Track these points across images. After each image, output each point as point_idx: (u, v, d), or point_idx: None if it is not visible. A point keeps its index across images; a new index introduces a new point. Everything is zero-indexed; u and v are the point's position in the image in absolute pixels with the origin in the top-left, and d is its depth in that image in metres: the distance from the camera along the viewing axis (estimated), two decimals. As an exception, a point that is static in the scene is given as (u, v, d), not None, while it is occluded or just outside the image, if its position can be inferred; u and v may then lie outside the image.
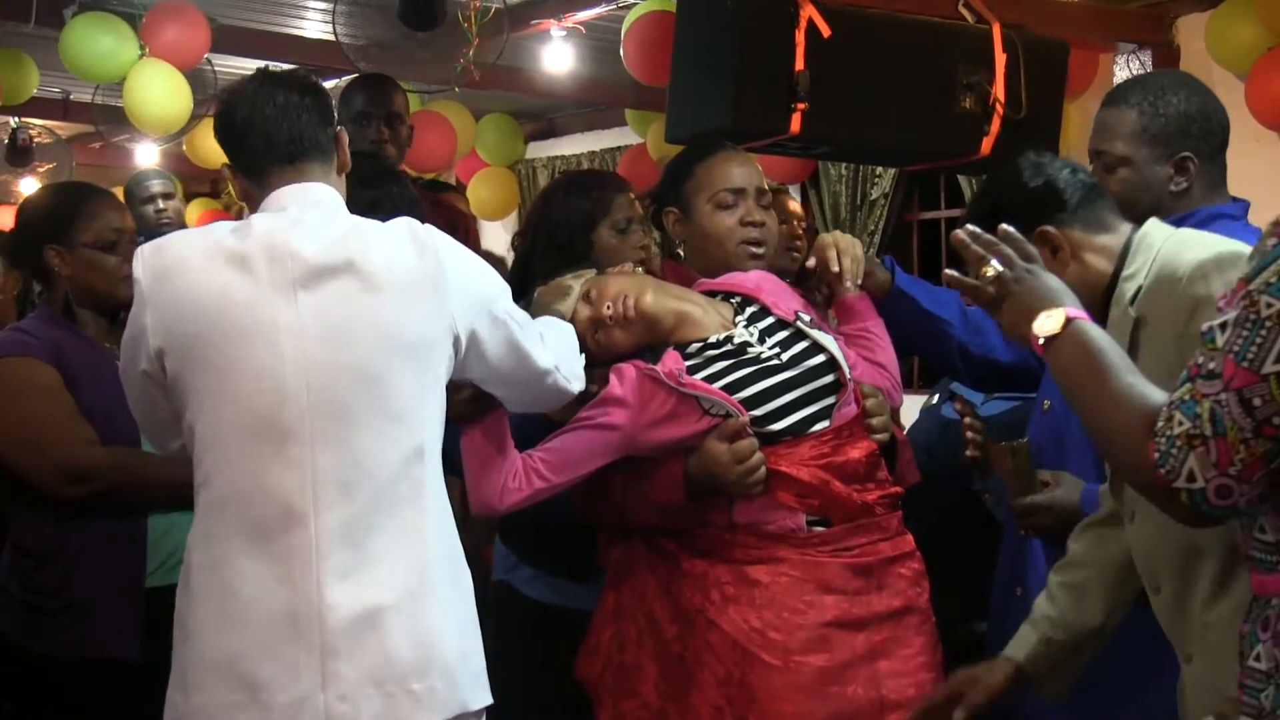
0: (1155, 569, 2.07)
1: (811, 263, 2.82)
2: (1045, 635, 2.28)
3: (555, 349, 2.37)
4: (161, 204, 5.31)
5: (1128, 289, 2.13)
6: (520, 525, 3.13)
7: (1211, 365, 1.59)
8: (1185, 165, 2.49)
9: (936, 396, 3.40)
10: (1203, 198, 2.48)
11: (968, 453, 2.70)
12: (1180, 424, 1.60)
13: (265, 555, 2.15)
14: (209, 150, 6.95)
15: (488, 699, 2.26)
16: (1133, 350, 2.07)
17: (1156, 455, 1.61)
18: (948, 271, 2.12)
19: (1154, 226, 2.20)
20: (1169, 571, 2.05)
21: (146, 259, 2.23)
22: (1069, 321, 1.83)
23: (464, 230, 4.16)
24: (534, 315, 2.45)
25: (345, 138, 2.37)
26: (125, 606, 2.93)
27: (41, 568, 2.94)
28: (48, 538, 2.93)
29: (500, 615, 3.23)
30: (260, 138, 2.28)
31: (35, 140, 7.15)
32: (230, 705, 2.15)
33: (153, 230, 4.51)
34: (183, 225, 5.34)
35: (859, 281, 2.79)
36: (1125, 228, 2.21)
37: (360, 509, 2.15)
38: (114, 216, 3.07)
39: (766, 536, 2.49)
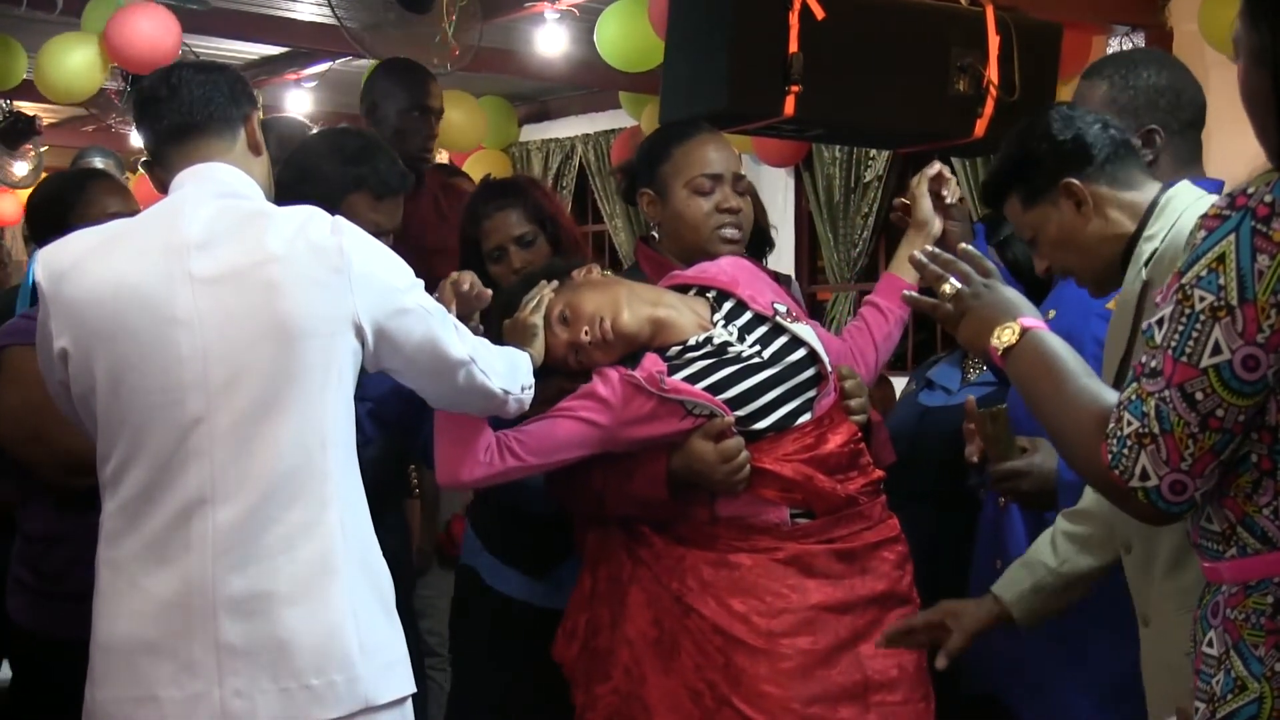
0: (1128, 527, 2.11)
1: (934, 173, 2.81)
2: (1038, 581, 2.32)
3: (472, 342, 2.32)
4: None
5: (1145, 250, 2.15)
6: (486, 513, 3.12)
7: (1153, 363, 1.62)
8: (1151, 137, 2.53)
9: (914, 384, 3.42)
10: (1171, 171, 2.50)
11: (970, 455, 2.71)
12: (1129, 424, 1.62)
13: (164, 550, 2.15)
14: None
15: (402, 689, 2.22)
16: (1139, 315, 2.09)
17: (1110, 456, 1.64)
18: (906, 292, 2.17)
19: (1183, 189, 2.21)
20: (1138, 532, 2.09)
21: (45, 261, 2.23)
22: (1025, 331, 1.87)
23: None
24: None
25: (256, 119, 2.36)
26: None
27: (49, 552, 2.95)
28: (54, 523, 2.94)
29: (461, 599, 3.21)
30: (155, 117, 2.29)
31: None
32: (129, 701, 2.15)
33: None
34: None
35: (956, 198, 2.80)
36: (1154, 187, 2.23)
37: (258, 502, 2.13)
38: (109, 201, 3.09)
39: (750, 529, 2.50)
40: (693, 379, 2.48)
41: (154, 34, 5.24)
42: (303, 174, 2.72)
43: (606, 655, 2.55)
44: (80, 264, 2.20)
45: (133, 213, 3.12)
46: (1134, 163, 2.26)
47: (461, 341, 2.29)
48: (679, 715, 2.46)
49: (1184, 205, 2.16)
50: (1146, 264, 2.13)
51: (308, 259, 2.16)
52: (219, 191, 2.24)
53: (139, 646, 2.14)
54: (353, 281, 2.17)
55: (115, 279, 2.16)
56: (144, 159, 2.38)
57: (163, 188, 2.31)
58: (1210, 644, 1.67)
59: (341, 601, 2.15)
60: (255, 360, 2.14)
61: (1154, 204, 2.20)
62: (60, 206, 3.08)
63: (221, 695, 2.11)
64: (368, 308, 2.19)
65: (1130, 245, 2.20)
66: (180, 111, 2.27)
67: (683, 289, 2.65)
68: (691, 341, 2.53)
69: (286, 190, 2.66)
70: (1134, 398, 1.63)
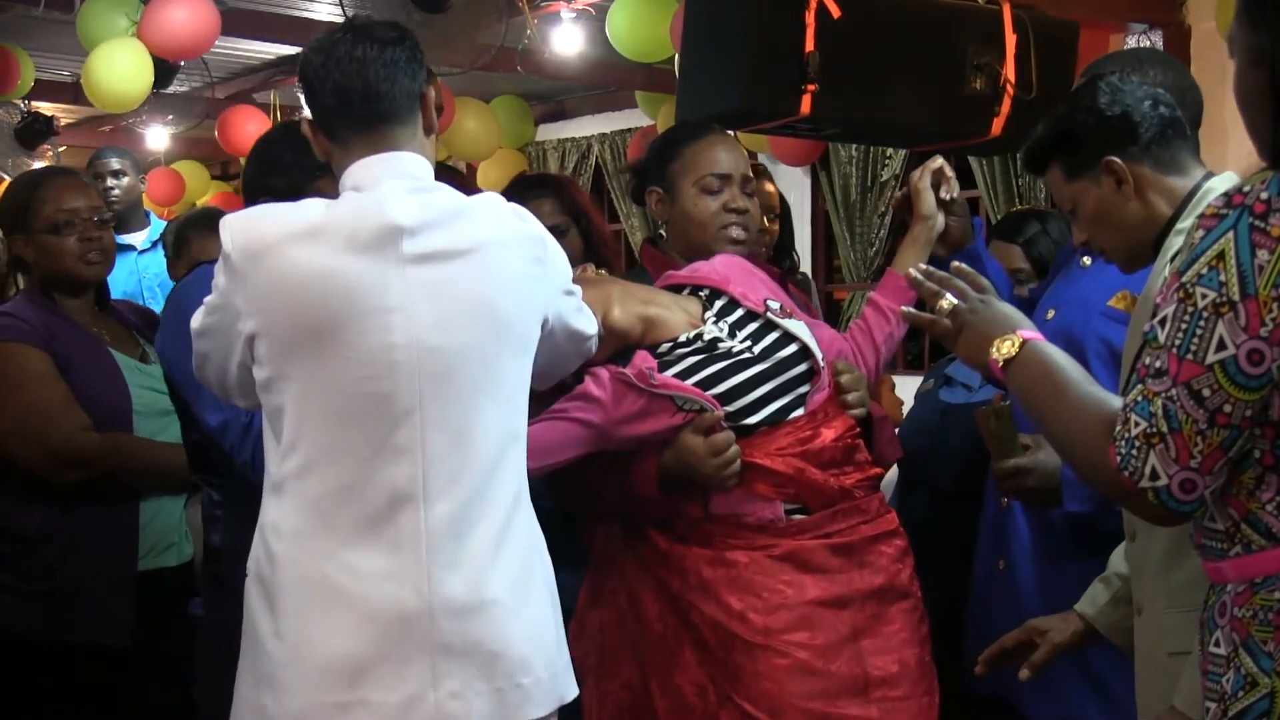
0: (1134, 518, 2.09)
1: (936, 166, 2.76)
2: (1117, 592, 2.28)
3: (589, 313, 2.38)
4: (110, 181, 5.23)
5: (1173, 244, 2.12)
6: None
7: (1158, 363, 1.63)
8: None
9: (932, 381, 3.41)
10: None
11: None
12: (1137, 425, 1.63)
13: (372, 548, 2.04)
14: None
15: (576, 690, 2.21)
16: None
17: (1118, 459, 1.64)
18: (904, 309, 2.14)
19: (1223, 182, 2.17)
20: (1142, 522, 2.06)
21: (236, 233, 2.08)
22: (1024, 343, 1.87)
23: None
24: None
25: (433, 96, 2.22)
26: (116, 592, 2.93)
27: (31, 553, 2.93)
28: (37, 523, 2.92)
29: None
30: (334, 94, 2.13)
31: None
32: (334, 707, 2.02)
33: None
34: (134, 204, 5.29)
35: (955, 194, 2.75)
36: (1198, 173, 2.20)
37: (468, 497, 2.07)
38: (64, 197, 3.05)
39: (745, 525, 2.50)
40: (683, 375, 2.49)
41: (191, 24, 5.30)
42: (266, 167, 2.65)
43: (615, 652, 2.56)
44: (278, 247, 2.06)
45: (94, 209, 3.07)
46: (1181, 144, 2.21)
47: (589, 318, 2.36)
48: (685, 711, 2.47)
49: None
50: (1173, 259, 2.11)
51: (515, 248, 2.14)
52: (415, 187, 2.13)
53: (346, 649, 2.03)
54: (547, 271, 2.18)
55: (324, 268, 2.04)
56: (308, 120, 2.19)
57: (326, 155, 2.18)
58: (1217, 644, 1.68)
59: (542, 598, 2.15)
60: (469, 349, 2.08)
61: (1192, 193, 2.17)
62: (19, 203, 3.07)
63: (437, 698, 2.04)
64: (553, 297, 2.21)
65: (1164, 232, 2.17)
66: (366, 100, 2.11)
67: (677, 289, 2.66)
68: (682, 338, 2.54)
69: (253, 184, 2.62)
70: (1140, 399, 1.64)
